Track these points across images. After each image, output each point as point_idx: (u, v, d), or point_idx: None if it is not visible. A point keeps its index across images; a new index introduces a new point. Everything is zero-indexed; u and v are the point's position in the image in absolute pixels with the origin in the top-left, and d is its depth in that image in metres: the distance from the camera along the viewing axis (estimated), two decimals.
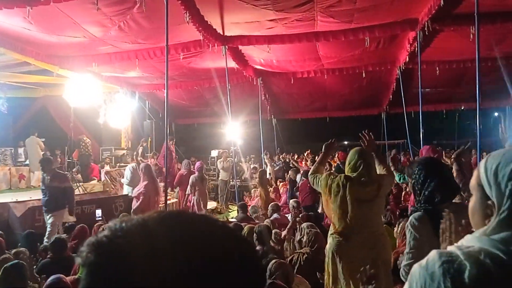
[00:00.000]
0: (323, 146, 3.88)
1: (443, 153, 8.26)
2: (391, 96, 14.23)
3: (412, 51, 9.72)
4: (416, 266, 0.99)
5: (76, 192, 8.70)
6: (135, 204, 6.95)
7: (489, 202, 1.00)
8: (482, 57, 7.32)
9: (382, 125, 16.54)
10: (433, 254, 0.97)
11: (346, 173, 3.44)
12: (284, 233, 5.24)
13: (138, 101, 14.32)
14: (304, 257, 4.20)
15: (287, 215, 7.22)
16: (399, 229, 4.27)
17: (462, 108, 15.92)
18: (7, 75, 10.81)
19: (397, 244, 4.30)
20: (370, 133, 3.67)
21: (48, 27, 8.08)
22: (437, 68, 11.46)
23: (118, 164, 11.24)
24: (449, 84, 13.55)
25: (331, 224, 3.37)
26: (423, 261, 0.98)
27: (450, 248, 0.99)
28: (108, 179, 9.44)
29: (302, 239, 4.74)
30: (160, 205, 7.60)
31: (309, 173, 3.68)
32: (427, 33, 8.30)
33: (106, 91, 12.86)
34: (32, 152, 10.67)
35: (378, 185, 3.37)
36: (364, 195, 3.27)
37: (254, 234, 4.53)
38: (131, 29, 8.21)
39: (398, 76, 12.01)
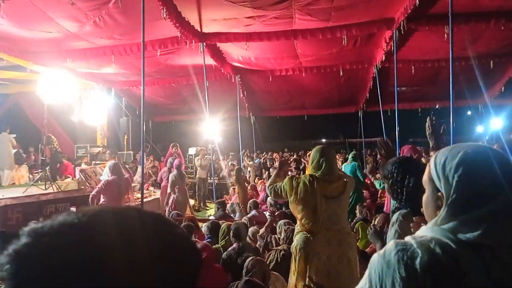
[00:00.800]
0: (279, 164, 3.94)
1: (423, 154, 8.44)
2: (368, 94, 14.37)
3: (389, 50, 9.85)
4: (375, 255, 1.05)
5: (50, 190, 8.53)
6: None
7: (439, 194, 1.07)
8: (456, 57, 7.50)
9: (359, 123, 16.72)
10: (390, 243, 1.04)
11: (309, 172, 3.44)
12: (261, 230, 5.25)
13: (114, 97, 14.12)
14: (281, 254, 4.22)
15: (265, 213, 7.23)
16: (375, 222, 4.33)
17: (437, 107, 16.22)
18: None
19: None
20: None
21: (21, 22, 7.86)
22: (413, 67, 11.66)
23: (94, 162, 11.04)
24: (424, 82, 13.80)
25: (299, 223, 3.35)
26: (382, 250, 1.04)
27: (406, 238, 1.05)
28: (83, 177, 9.26)
29: (279, 236, 4.76)
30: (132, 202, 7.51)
31: (267, 185, 3.65)
32: (403, 32, 8.42)
33: (81, 87, 12.62)
34: (3, 149, 10.35)
35: (343, 181, 3.41)
36: (331, 192, 3.31)
37: (231, 231, 4.52)
38: (107, 24, 8.06)
39: (374, 75, 12.16)
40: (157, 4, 6.88)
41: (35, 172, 11.42)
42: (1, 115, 13.98)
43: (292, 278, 3.28)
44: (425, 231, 1.07)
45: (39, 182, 8.88)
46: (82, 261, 0.49)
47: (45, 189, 8.53)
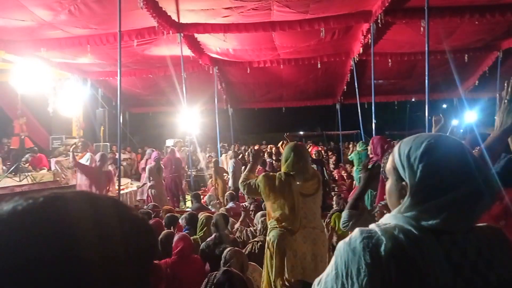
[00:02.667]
0: (251, 156, 3.86)
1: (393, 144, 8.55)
2: (345, 87, 14.52)
3: (366, 43, 9.95)
4: (341, 243, 1.07)
5: (25, 182, 8.36)
6: None
7: (403, 183, 1.10)
8: (431, 50, 7.65)
9: (337, 116, 16.87)
10: (355, 231, 1.06)
11: (283, 169, 3.42)
12: (237, 225, 5.28)
13: (90, 88, 13.86)
14: (258, 245, 4.25)
15: (242, 204, 7.25)
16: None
17: (413, 100, 16.52)
18: None
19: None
20: (290, 135, 3.69)
21: None
22: (390, 60, 11.82)
23: (70, 153, 10.83)
24: (401, 76, 14.02)
25: (274, 220, 3.34)
26: (347, 238, 1.07)
27: (371, 226, 1.08)
28: (58, 169, 9.10)
29: (255, 228, 4.80)
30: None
31: (240, 181, 3.59)
32: (380, 25, 8.52)
33: (56, 77, 12.34)
34: None
35: (317, 179, 3.44)
36: (307, 190, 3.33)
37: (212, 221, 4.53)
38: (82, 13, 7.88)
39: (352, 67, 12.27)
40: None
41: (8, 163, 11.15)
42: None
43: (267, 274, 3.27)
44: (388, 219, 1.09)
45: (13, 173, 8.70)
46: (19, 249, 0.49)
47: (20, 180, 8.35)
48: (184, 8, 8.32)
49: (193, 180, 11.86)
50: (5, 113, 13.02)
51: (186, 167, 12.59)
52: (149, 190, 8.95)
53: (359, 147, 8.73)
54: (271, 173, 3.46)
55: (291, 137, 4.05)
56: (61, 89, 12.35)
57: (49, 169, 10.09)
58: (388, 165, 1.17)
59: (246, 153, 13.84)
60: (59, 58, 11.35)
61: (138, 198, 10.15)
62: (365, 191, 2.50)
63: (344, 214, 2.29)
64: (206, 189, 11.59)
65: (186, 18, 8.91)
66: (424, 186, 1.05)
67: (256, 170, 3.86)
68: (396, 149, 1.15)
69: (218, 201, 8.77)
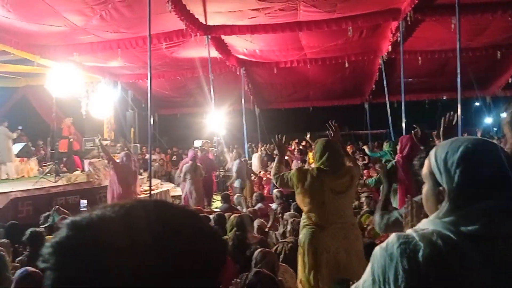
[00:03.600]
0: (276, 147, 3.86)
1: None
2: (373, 86, 14.35)
3: (395, 41, 9.82)
4: (377, 248, 1.07)
5: (59, 183, 8.63)
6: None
7: (441, 188, 1.08)
8: (463, 47, 7.47)
9: (365, 115, 16.67)
10: (392, 236, 1.05)
11: (315, 165, 3.41)
12: (268, 225, 5.30)
13: (120, 91, 14.16)
14: (288, 246, 4.26)
15: (271, 205, 7.28)
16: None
17: (444, 98, 16.15)
18: None
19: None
20: (336, 124, 3.76)
21: (27, 16, 7.90)
22: (419, 58, 11.61)
23: (102, 155, 11.12)
24: (431, 73, 13.74)
25: (306, 217, 3.35)
26: (384, 243, 1.06)
27: (408, 231, 1.07)
28: (92, 170, 9.35)
29: (286, 229, 4.80)
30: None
31: (272, 174, 3.62)
32: (409, 23, 8.40)
33: (88, 81, 12.68)
34: (1, 143, 10.41)
35: (350, 176, 3.41)
36: (339, 187, 3.30)
37: (235, 223, 4.56)
38: (113, 18, 8.09)
39: (380, 66, 12.12)
40: None
41: (44, 165, 11.53)
42: (8, 109, 14.07)
43: (302, 272, 3.29)
44: (426, 224, 1.08)
45: (49, 174, 8.99)
46: (116, 255, 0.51)
47: (55, 181, 8.63)
48: (211, 10, 8.42)
49: (221, 180, 11.95)
50: (41, 116, 13.50)
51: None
52: (187, 188, 9.09)
53: (386, 147, 8.54)
54: (304, 168, 3.47)
55: (312, 138, 4.07)
56: (93, 92, 12.69)
57: (83, 170, 10.37)
58: (425, 170, 1.16)
59: (271, 145, 13.86)
60: (91, 62, 11.67)
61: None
62: (389, 190, 2.51)
63: (377, 217, 2.28)
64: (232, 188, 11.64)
65: (213, 20, 9.01)
66: (462, 191, 1.04)
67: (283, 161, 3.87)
68: (432, 153, 1.14)
69: (246, 202, 8.81)
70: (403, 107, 9.22)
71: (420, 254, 0.98)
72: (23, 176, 10.62)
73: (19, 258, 4.46)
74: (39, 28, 8.57)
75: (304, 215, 3.37)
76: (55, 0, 7.19)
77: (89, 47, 9.80)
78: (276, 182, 3.58)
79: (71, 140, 10.52)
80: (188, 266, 0.55)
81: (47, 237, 4.70)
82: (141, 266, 0.51)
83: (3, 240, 4.72)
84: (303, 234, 3.30)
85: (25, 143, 11.17)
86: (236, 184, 10.08)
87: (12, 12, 7.52)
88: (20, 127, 11.10)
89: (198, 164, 9.39)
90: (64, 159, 10.83)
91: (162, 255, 0.53)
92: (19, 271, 3.07)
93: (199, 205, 8.66)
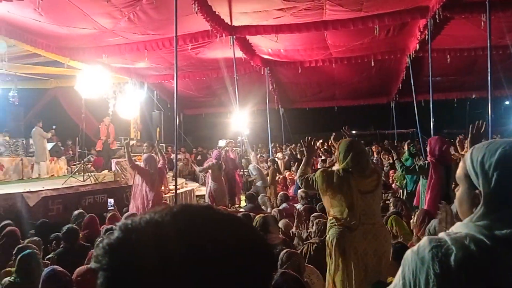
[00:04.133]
0: (305, 148, 3.83)
1: (456, 143, 8.24)
2: (400, 85, 14.13)
3: (423, 39, 9.64)
4: (408, 252, 1.06)
5: (88, 182, 8.83)
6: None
7: (476, 191, 1.06)
8: (493, 45, 7.28)
9: (391, 114, 16.45)
10: (424, 240, 1.04)
11: (340, 166, 3.37)
12: (293, 229, 5.27)
13: (146, 91, 14.37)
14: (314, 247, 4.24)
15: (296, 205, 7.26)
16: (415, 219, 4.29)
17: (474, 97, 15.79)
18: (18, 67, 10.90)
19: (414, 234, 4.29)
20: (349, 129, 3.73)
21: (58, 19, 8.12)
22: (448, 56, 11.37)
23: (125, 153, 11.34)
24: (460, 72, 13.45)
25: (333, 218, 3.31)
26: (415, 247, 1.05)
27: (440, 235, 1.06)
28: (118, 169, 9.54)
29: (311, 230, 4.78)
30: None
31: (298, 176, 3.59)
32: (437, 21, 8.22)
33: (115, 82, 12.94)
34: (36, 142, 10.77)
35: (377, 175, 3.38)
36: (366, 187, 3.27)
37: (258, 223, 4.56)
38: (141, 20, 8.23)
39: (408, 65, 11.92)
40: None
41: (73, 164, 11.82)
42: (39, 109, 14.49)
43: (329, 273, 3.28)
44: (459, 228, 1.07)
45: (77, 173, 9.22)
46: (160, 259, 0.53)
47: (83, 180, 8.84)
48: (237, 11, 8.45)
49: (245, 180, 11.99)
50: (70, 117, 13.84)
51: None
52: (211, 187, 9.18)
53: (407, 152, 8.37)
54: (329, 169, 3.44)
55: (349, 132, 4.09)
56: (120, 93, 12.94)
57: (110, 169, 10.58)
58: (459, 172, 1.14)
59: (298, 145, 13.81)
60: (119, 63, 11.90)
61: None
62: None
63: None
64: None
65: (238, 20, 9.04)
66: (499, 195, 1.02)
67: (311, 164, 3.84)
68: (468, 155, 1.12)
69: (270, 202, 8.81)
70: (431, 107, 9.04)
71: (452, 258, 0.96)
72: (53, 175, 10.92)
73: (58, 250, 4.58)
74: (69, 31, 8.79)
75: (331, 216, 3.34)
76: (85, 4, 7.37)
77: (117, 49, 10.00)
78: (301, 184, 3.57)
79: (109, 141, 10.77)
80: (230, 274, 0.55)
81: None
82: (185, 269, 0.53)
83: (34, 238, 4.84)
84: (331, 235, 3.27)
85: (55, 143, 11.49)
86: (259, 184, 10.11)
87: (43, 16, 7.73)
88: (54, 127, 11.44)
89: (222, 163, 9.47)
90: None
91: (207, 262, 0.54)
92: (46, 270, 3.15)
93: (222, 204, 8.73)
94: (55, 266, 3.27)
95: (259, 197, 8.40)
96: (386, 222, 4.96)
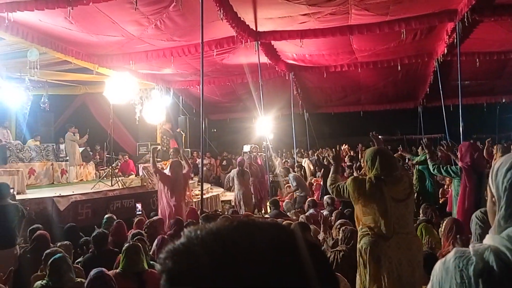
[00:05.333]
0: (332, 158, 3.83)
1: (488, 148, 8.06)
2: (428, 89, 13.90)
3: (451, 43, 9.47)
4: (438, 263, 1.10)
5: (116, 186, 8.99)
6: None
7: (493, 199, 1.09)
8: None
9: (419, 119, 16.20)
10: (451, 251, 1.08)
11: (370, 174, 3.31)
12: (321, 236, 5.22)
13: (172, 97, 14.56)
14: (340, 254, 4.19)
15: (322, 211, 7.20)
16: (443, 228, 4.17)
17: (504, 101, 15.41)
18: (49, 74, 11.21)
19: (442, 243, 4.19)
20: (378, 134, 3.78)
21: (88, 27, 8.33)
22: (477, 59, 11.13)
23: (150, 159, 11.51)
24: (490, 76, 13.16)
25: (365, 226, 3.24)
26: (444, 258, 1.09)
27: (470, 246, 1.08)
28: (145, 174, 9.68)
29: (337, 237, 4.72)
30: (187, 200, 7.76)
31: (328, 185, 3.57)
32: (466, 24, 8.06)
33: (142, 88, 13.16)
34: (67, 147, 11.08)
35: (408, 182, 3.30)
36: (399, 194, 3.19)
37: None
38: (167, 27, 8.36)
39: (435, 69, 11.71)
40: (214, 6, 7.03)
41: (101, 169, 12.06)
42: (69, 115, 14.87)
43: (361, 283, 3.21)
44: (486, 239, 1.08)
45: (105, 178, 9.41)
46: (218, 270, 0.56)
47: (111, 185, 9.00)
48: (262, 16, 8.48)
49: (270, 185, 11.96)
50: (98, 122, 14.14)
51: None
52: (236, 193, 9.21)
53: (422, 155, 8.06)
54: (361, 177, 3.38)
55: (377, 138, 4.03)
56: (146, 99, 13.16)
57: (137, 174, 10.74)
58: (489, 181, 1.15)
59: (326, 154, 13.68)
60: (146, 70, 12.11)
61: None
62: None
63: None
64: (282, 194, 11.61)
65: (263, 26, 9.08)
66: (509, 204, 1.03)
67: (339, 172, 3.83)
68: (493, 165, 1.13)
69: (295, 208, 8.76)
70: (460, 111, 8.84)
71: (472, 268, 0.99)
72: (81, 180, 11.17)
73: (87, 255, 4.66)
74: (98, 39, 9.01)
75: (362, 225, 3.28)
76: (114, 12, 7.54)
77: (144, 56, 10.18)
78: (332, 193, 3.55)
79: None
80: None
81: None
82: (241, 279, 0.56)
83: (65, 242, 4.94)
84: (363, 244, 3.20)
85: (83, 148, 11.76)
86: (302, 194, 10.02)
87: (74, 24, 7.96)
88: (88, 130, 11.75)
89: (246, 169, 9.48)
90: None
91: (262, 277, 0.56)
92: (94, 270, 3.23)
93: (248, 210, 8.74)
94: (103, 269, 3.36)
95: (284, 203, 8.37)
96: (416, 230, 4.86)
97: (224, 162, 16.04)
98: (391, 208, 3.12)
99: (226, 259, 0.57)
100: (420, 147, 9.08)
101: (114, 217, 6.30)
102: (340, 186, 3.42)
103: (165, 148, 11.82)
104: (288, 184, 11.13)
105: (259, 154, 12.96)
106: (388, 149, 3.51)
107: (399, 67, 11.82)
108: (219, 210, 9.77)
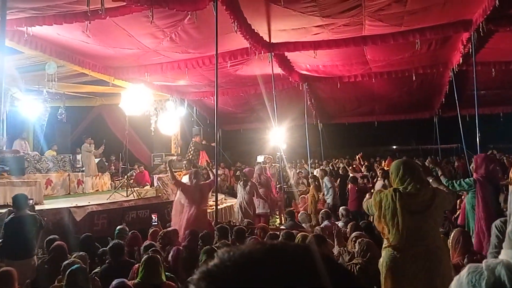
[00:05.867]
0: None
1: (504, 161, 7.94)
2: (443, 99, 13.79)
3: (466, 53, 9.39)
4: (454, 279, 1.12)
5: (131, 197, 9.06)
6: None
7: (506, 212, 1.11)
8: None
9: (434, 129, 16.06)
10: (466, 267, 1.10)
11: (393, 186, 3.34)
12: (336, 249, 5.17)
13: (186, 108, 14.68)
14: (357, 267, 4.15)
15: (337, 223, 7.15)
16: (451, 239, 4.13)
17: None
18: (66, 86, 11.42)
19: (450, 254, 4.14)
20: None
21: (105, 40, 8.49)
22: (493, 69, 11.03)
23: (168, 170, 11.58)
24: (506, 85, 13.02)
25: (385, 239, 3.26)
26: (458, 275, 1.11)
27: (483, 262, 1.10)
28: (160, 185, 9.74)
29: (353, 250, 4.68)
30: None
31: (364, 202, 3.66)
32: (481, 34, 8.00)
33: (157, 99, 13.31)
34: (83, 158, 11.25)
35: (431, 195, 3.24)
36: (415, 207, 3.17)
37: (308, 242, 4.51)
38: (182, 39, 8.47)
39: (451, 78, 11.62)
40: (228, 18, 7.10)
41: (116, 179, 12.18)
42: (85, 126, 15.10)
43: None
44: (502, 254, 1.13)
45: (120, 189, 9.49)
46: None
47: (127, 195, 9.07)
48: (276, 28, 8.53)
49: (284, 196, 11.92)
50: (114, 133, 14.33)
51: (277, 182, 12.71)
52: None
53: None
54: (380, 191, 3.40)
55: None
56: (161, 110, 13.29)
57: (152, 185, 10.81)
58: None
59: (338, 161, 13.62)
60: (160, 81, 12.25)
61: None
62: None
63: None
64: (298, 205, 11.55)
65: (277, 37, 9.12)
66: None
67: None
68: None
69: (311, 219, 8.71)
70: (476, 121, 8.73)
71: (484, 283, 1.01)
72: (97, 190, 11.29)
73: (104, 266, 4.69)
74: (115, 51, 9.16)
75: (384, 237, 3.29)
76: (130, 25, 7.67)
77: (159, 68, 10.32)
78: (366, 208, 3.63)
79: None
80: None
81: None
82: None
83: (81, 252, 4.98)
84: (382, 257, 3.23)
85: (99, 159, 11.90)
86: (329, 200, 10.01)
87: (91, 38, 8.11)
88: (104, 141, 11.92)
89: (253, 181, 9.48)
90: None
91: None
92: (115, 281, 3.27)
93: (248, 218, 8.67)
94: (124, 279, 3.41)
95: (299, 214, 8.34)
96: None
97: (238, 173, 16.05)
98: (404, 220, 3.10)
99: (258, 281, 0.58)
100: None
101: (127, 228, 6.34)
102: (369, 203, 3.48)
103: (194, 160, 11.87)
104: (303, 195, 11.09)
105: (272, 165, 12.94)
106: (413, 161, 3.49)
107: (413, 77, 11.74)
108: (233, 220, 9.75)
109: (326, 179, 10.31)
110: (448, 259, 3.40)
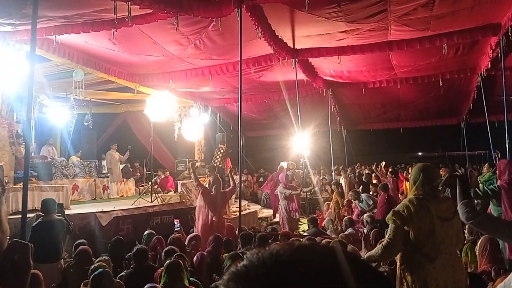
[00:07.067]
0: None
1: None
2: (471, 105, 13.47)
3: (495, 57, 9.16)
4: (499, 285, 1.13)
5: (155, 203, 9.14)
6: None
7: None
8: None
9: (462, 135, 15.70)
10: (500, 284, 1.11)
11: (411, 194, 3.19)
12: (363, 253, 5.09)
13: (210, 114, 14.78)
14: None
15: (361, 229, 7.05)
16: (478, 246, 4.01)
17: None
18: (93, 93, 11.66)
19: (478, 262, 4.03)
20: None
21: (130, 47, 8.63)
22: None
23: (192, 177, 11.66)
24: None
25: (411, 247, 3.06)
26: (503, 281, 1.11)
27: None
28: (184, 191, 9.81)
29: None
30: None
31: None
32: (511, 38, 7.79)
33: (181, 105, 13.45)
34: (108, 164, 11.44)
35: (452, 202, 3.13)
36: (444, 213, 3.07)
37: None
38: (206, 46, 8.53)
39: (479, 84, 11.34)
40: (252, 25, 7.13)
41: (140, 185, 12.32)
42: (110, 133, 15.37)
43: None
44: None
45: (145, 194, 9.59)
46: None
47: (151, 201, 9.16)
48: (300, 34, 8.51)
49: (308, 203, 11.86)
50: (139, 139, 14.53)
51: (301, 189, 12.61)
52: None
53: (488, 173, 7.87)
54: (398, 209, 3.17)
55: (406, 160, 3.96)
56: (185, 116, 13.42)
57: (175, 190, 10.89)
58: None
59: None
60: (185, 88, 12.37)
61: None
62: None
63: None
64: (320, 212, 11.46)
65: (301, 43, 9.10)
66: None
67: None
68: None
69: (334, 226, 8.61)
70: (506, 127, 8.50)
71: None
72: (122, 196, 11.44)
73: (128, 271, 4.73)
74: (140, 59, 9.30)
75: (409, 246, 3.11)
76: (155, 33, 7.78)
77: (183, 74, 10.42)
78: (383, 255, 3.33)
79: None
80: None
81: None
82: None
83: (104, 257, 5.04)
84: (408, 266, 3.07)
85: (124, 165, 12.08)
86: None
87: (117, 45, 8.26)
88: (129, 147, 12.12)
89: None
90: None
91: None
92: (147, 285, 3.35)
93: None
94: (156, 285, 3.46)
95: (324, 221, 8.26)
96: (460, 252, 4.66)
97: (261, 179, 16.05)
98: (438, 227, 3.00)
99: (286, 280, 0.58)
100: (486, 165, 8.77)
101: (154, 233, 6.39)
102: (384, 242, 3.17)
103: (221, 166, 11.95)
104: (327, 202, 10.98)
105: (295, 171, 12.87)
106: (433, 167, 3.36)
107: (440, 83, 11.52)
108: (256, 227, 9.74)
109: (364, 196, 9.83)
110: (465, 269, 3.30)
